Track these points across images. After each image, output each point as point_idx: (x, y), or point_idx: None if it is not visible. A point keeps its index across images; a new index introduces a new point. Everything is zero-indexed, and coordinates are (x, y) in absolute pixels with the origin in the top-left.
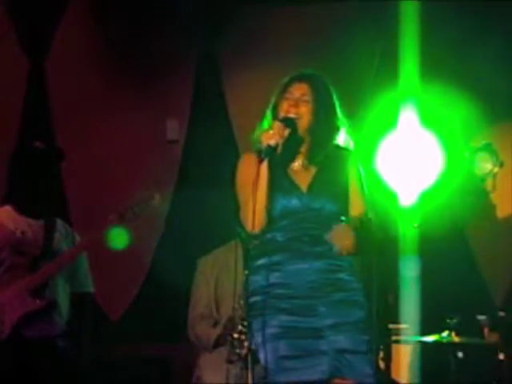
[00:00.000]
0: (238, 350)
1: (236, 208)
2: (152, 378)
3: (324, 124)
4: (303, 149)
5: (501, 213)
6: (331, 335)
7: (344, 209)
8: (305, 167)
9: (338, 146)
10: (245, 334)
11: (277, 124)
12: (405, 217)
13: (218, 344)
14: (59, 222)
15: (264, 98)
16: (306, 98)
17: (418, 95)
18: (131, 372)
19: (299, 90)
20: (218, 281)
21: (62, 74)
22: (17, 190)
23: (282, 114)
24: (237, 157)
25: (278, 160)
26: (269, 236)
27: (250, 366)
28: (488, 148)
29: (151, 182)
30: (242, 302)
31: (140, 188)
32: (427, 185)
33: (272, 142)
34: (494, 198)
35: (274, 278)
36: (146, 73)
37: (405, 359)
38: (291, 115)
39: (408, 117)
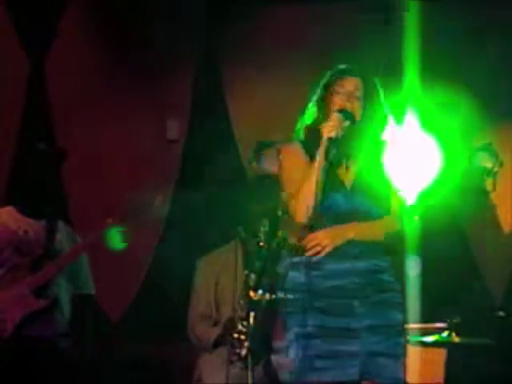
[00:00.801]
0: (238, 350)
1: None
2: (152, 379)
3: (372, 121)
4: (350, 145)
5: (501, 213)
6: (367, 337)
7: (387, 208)
8: (350, 164)
9: (382, 143)
10: (245, 333)
11: (337, 116)
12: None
13: (218, 344)
14: (61, 223)
15: (264, 98)
16: (357, 93)
17: (418, 95)
18: (131, 372)
19: (351, 85)
20: (218, 281)
21: (62, 74)
22: (19, 191)
23: (335, 107)
24: (237, 157)
25: (333, 154)
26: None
27: (250, 366)
28: (488, 148)
29: (152, 183)
30: (241, 301)
31: (141, 189)
32: (426, 184)
33: (333, 134)
34: (494, 197)
35: (313, 276)
36: (146, 73)
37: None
38: (348, 109)
39: (409, 117)
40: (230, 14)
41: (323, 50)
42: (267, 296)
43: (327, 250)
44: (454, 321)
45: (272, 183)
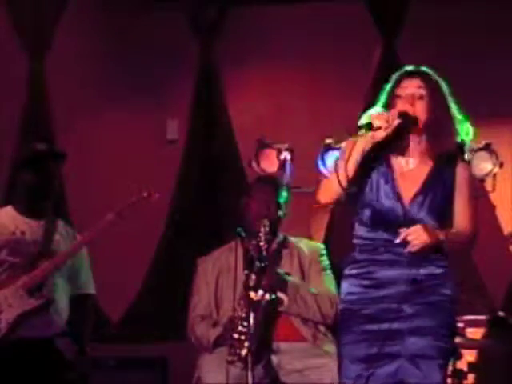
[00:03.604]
0: (237, 350)
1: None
2: (152, 379)
3: (442, 122)
4: (418, 149)
5: (500, 213)
6: (411, 338)
7: (444, 219)
8: (417, 170)
9: (452, 148)
10: (245, 334)
11: (392, 111)
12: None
13: (218, 344)
14: (60, 223)
15: (264, 98)
16: (420, 93)
17: None
18: (131, 372)
19: (412, 86)
20: (218, 281)
21: (62, 74)
22: (18, 190)
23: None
24: (236, 157)
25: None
26: (361, 239)
27: (249, 366)
28: (488, 148)
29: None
30: (242, 301)
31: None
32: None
33: (376, 122)
34: (494, 198)
35: (364, 285)
36: (146, 73)
37: None
38: (411, 113)
39: None
40: (230, 15)
41: (324, 51)
42: (267, 296)
43: (417, 246)
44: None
45: (272, 183)
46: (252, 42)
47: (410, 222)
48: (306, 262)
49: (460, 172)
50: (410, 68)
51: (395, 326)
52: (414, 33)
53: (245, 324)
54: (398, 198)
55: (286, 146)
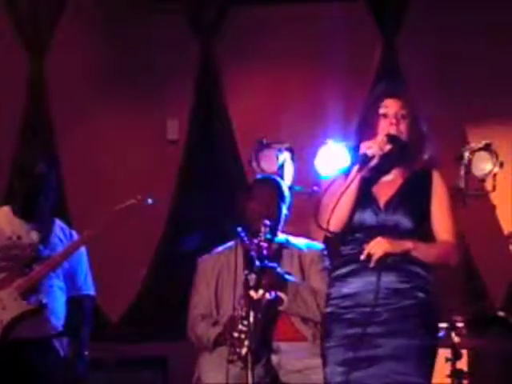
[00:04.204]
0: (238, 350)
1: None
2: (151, 379)
3: (418, 139)
4: (395, 164)
5: (500, 213)
6: (388, 341)
7: (421, 225)
8: (391, 182)
9: (424, 161)
10: (245, 333)
11: (381, 138)
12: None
13: (218, 343)
14: (57, 225)
15: (264, 98)
16: (402, 113)
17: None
18: (131, 372)
19: (396, 106)
20: (218, 280)
21: (62, 74)
22: (15, 194)
23: (385, 131)
24: (236, 157)
25: (372, 174)
26: (343, 248)
27: (249, 365)
28: (488, 148)
29: (152, 183)
30: (242, 301)
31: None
32: None
33: (369, 152)
34: (494, 198)
35: (345, 290)
36: (146, 73)
37: None
38: (397, 134)
39: None
40: (230, 14)
41: (324, 51)
42: (267, 295)
43: (378, 254)
44: (455, 321)
45: (271, 183)
46: (252, 41)
47: (384, 226)
48: (306, 262)
49: (436, 182)
50: (391, 87)
51: (373, 329)
52: (413, 33)
53: (245, 323)
54: (373, 201)
55: (286, 145)
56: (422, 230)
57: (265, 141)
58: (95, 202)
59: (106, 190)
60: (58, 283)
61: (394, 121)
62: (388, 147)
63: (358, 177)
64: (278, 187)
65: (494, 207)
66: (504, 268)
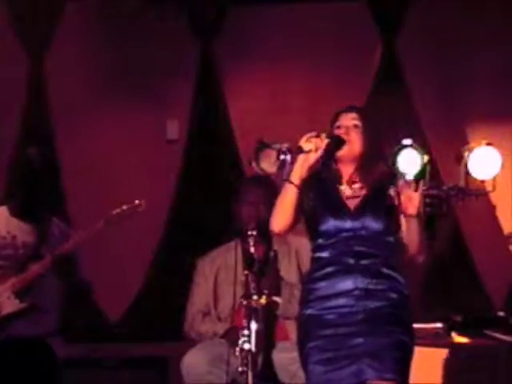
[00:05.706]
0: (245, 361)
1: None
2: (152, 379)
3: (373, 150)
4: (355, 173)
5: (500, 213)
6: (364, 339)
7: (389, 228)
8: (357, 191)
9: (386, 171)
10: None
11: (321, 135)
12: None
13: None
14: (55, 224)
15: (264, 98)
16: (355, 124)
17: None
18: (131, 372)
19: (349, 118)
20: (216, 278)
21: (62, 74)
22: (16, 191)
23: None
24: (236, 157)
25: (328, 181)
26: (319, 253)
27: (249, 365)
28: (488, 148)
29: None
30: (242, 301)
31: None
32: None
33: (305, 146)
34: (494, 198)
35: (322, 291)
36: (146, 73)
37: None
38: (341, 135)
39: None
40: (229, 14)
41: (324, 51)
42: (262, 301)
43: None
44: (455, 321)
45: (259, 184)
46: (252, 41)
47: (356, 230)
48: (304, 261)
49: (402, 191)
50: (348, 106)
51: (351, 329)
52: (413, 33)
53: (246, 333)
54: (346, 210)
55: (286, 145)
56: (390, 231)
57: (265, 141)
58: (95, 202)
59: (106, 190)
60: (51, 281)
61: (343, 129)
62: (325, 142)
63: (296, 177)
64: (267, 187)
65: (493, 207)
66: (504, 268)
